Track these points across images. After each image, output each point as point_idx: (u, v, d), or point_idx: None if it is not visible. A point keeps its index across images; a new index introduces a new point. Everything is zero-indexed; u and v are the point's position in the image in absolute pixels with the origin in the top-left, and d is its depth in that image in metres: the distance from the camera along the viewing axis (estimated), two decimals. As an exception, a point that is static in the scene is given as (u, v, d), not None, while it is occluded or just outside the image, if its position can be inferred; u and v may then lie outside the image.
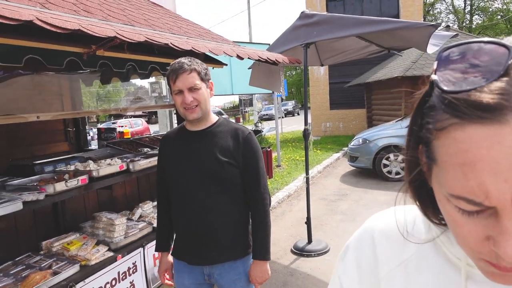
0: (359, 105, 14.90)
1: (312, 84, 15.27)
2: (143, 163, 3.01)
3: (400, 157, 7.18)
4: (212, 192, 1.71)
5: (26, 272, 2.25)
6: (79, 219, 2.97)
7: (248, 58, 3.24)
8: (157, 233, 1.93)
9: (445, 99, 0.37)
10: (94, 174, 2.58)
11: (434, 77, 0.39)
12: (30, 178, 2.53)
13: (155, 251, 1.93)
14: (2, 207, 1.90)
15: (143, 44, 2.29)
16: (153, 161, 3.09)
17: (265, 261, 1.76)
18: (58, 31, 1.64)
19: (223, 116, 2.07)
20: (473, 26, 32.16)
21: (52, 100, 4.66)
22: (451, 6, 33.82)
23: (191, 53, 2.33)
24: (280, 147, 9.74)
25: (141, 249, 2.83)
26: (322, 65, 5.46)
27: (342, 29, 3.68)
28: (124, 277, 2.66)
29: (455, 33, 3.93)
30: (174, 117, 9.00)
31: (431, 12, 33.65)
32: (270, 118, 29.30)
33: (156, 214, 3.17)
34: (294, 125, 22.16)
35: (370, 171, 7.72)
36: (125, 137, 4.85)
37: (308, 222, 4.22)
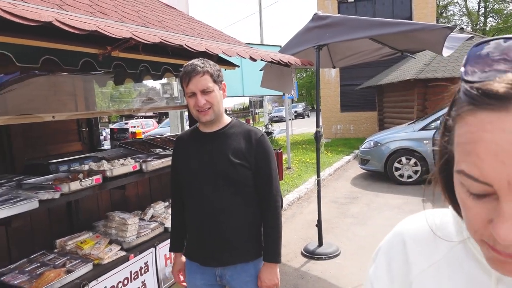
0: (370, 108, 14.79)
1: (323, 86, 15.21)
2: (155, 164, 3.03)
3: (412, 161, 7.11)
4: (224, 193, 1.71)
5: (41, 269, 2.28)
6: (92, 218, 3.00)
7: (261, 59, 3.24)
8: (171, 234, 1.94)
9: (465, 89, 0.41)
10: (108, 174, 2.60)
11: (461, 69, 0.43)
12: (45, 177, 2.57)
13: (169, 251, 1.94)
14: (19, 205, 1.93)
15: (157, 45, 2.31)
16: (166, 161, 3.10)
17: (276, 264, 1.75)
18: (76, 32, 1.67)
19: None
20: (487, 29, 31.68)
21: (66, 100, 4.73)
22: (464, 8, 33.41)
23: (205, 55, 2.34)
24: (290, 149, 9.71)
25: (152, 249, 2.85)
26: (334, 67, 5.44)
27: (355, 31, 3.66)
28: (136, 277, 2.68)
29: (471, 35, 3.88)
30: (186, 118, 9.06)
31: (444, 15, 33.25)
32: (280, 120, 29.27)
33: (167, 215, 3.21)
34: (304, 127, 22.10)
35: (381, 174, 7.65)
36: (137, 137, 4.89)
37: (319, 225, 4.20)
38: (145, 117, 23.26)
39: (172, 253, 1.98)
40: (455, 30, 3.85)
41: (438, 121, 6.84)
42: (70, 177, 2.57)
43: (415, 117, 9.74)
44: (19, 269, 2.31)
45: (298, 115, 34.92)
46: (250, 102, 29.26)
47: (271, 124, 16.74)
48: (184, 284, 1.93)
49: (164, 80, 8.10)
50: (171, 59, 3.28)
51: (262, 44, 10.30)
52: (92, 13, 2.58)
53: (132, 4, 3.60)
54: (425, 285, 0.56)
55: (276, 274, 1.75)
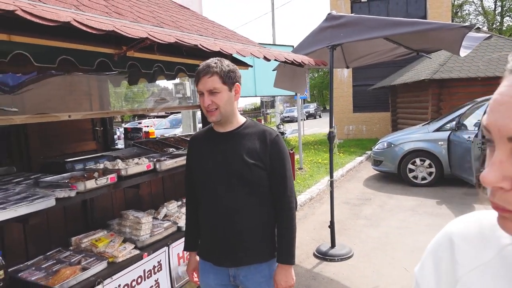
0: (383, 108, 14.65)
1: (335, 87, 15.11)
2: (169, 163, 3.04)
3: (427, 162, 7.00)
4: (239, 193, 1.70)
5: (57, 266, 2.31)
6: (107, 217, 3.03)
7: (275, 59, 3.23)
8: (186, 233, 1.94)
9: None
10: (123, 173, 2.63)
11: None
12: (61, 175, 2.60)
13: (184, 250, 1.95)
14: (36, 203, 1.96)
15: (171, 45, 2.32)
16: (179, 161, 3.12)
17: (290, 265, 1.73)
18: (94, 32, 1.68)
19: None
20: (504, 28, 31.03)
21: (82, 100, 4.80)
22: (480, 8, 32.76)
23: (219, 54, 2.33)
24: (302, 150, 9.67)
25: (166, 248, 2.86)
26: (347, 67, 5.40)
27: (370, 30, 3.62)
28: (149, 275, 2.70)
29: (489, 35, 3.80)
30: (198, 118, 9.11)
31: (459, 14, 32.69)
32: (291, 120, 29.20)
33: (180, 214, 3.22)
34: (316, 128, 22.00)
35: (394, 175, 7.56)
36: (150, 137, 4.93)
37: (331, 226, 4.16)
38: (157, 116, 23.44)
39: (186, 252, 1.98)
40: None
41: (454, 122, 6.72)
42: (85, 175, 2.60)
43: (429, 118, 9.61)
44: (36, 266, 2.35)
45: (310, 116, 34.80)
46: (262, 102, 29.23)
47: (282, 125, 16.71)
48: (198, 283, 1.93)
49: (177, 80, 8.15)
50: (184, 59, 3.29)
51: (274, 44, 10.30)
52: (108, 14, 2.61)
53: (147, 4, 3.63)
54: (471, 285, 0.57)
55: (291, 276, 1.74)
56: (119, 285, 2.43)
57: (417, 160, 7.09)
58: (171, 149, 3.76)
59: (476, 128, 6.03)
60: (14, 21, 1.65)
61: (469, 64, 9.88)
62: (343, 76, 15.18)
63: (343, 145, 12.61)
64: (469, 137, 5.95)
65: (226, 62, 1.70)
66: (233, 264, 1.75)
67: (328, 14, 4.10)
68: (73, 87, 4.62)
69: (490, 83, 9.09)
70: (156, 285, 2.77)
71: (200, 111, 4.10)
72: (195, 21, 4.02)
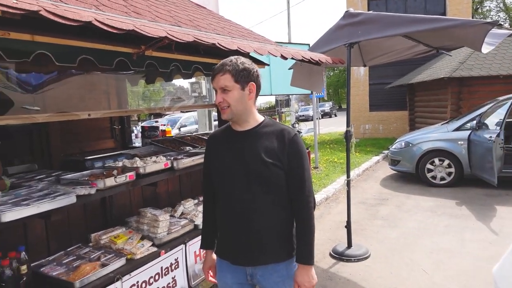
0: (400, 107, 14.40)
1: (352, 85, 14.80)
2: (186, 162, 3.06)
3: (446, 162, 6.85)
4: (257, 193, 1.69)
5: (77, 262, 2.36)
6: (125, 214, 3.08)
7: (292, 58, 3.22)
8: (203, 231, 1.95)
9: None
10: (141, 171, 2.66)
11: None
12: (81, 173, 2.65)
13: (200, 248, 1.95)
14: (58, 200, 2.00)
15: (189, 44, 2.33)
16: (196, 159, 3.14)
17: (310, 265, 1.72)
18: (114, 31, 1.70)
19: None
20: (527, 24, 30.12)
21: (100, 99, 4.88)
22: (501, 4, 31.85)
23: (237, 53, 2.33)
24: (317, 149, 9.61)
25: (183, 246, 2.88)
26: (364, 65, 5.32)
27: (389, 28, 3.56)
28: (166, 273, 2.72)
29: (512, 31, 3.69)
30: (214, 116, 9.15)
31: (479, 10, 31.87)
32: (306, 119, 29.03)
33: (197, 212, 3.24)
34: (331, 127, 21.83)
35: (412, 175, 7.43)
36: (167, 135, 4.98)
37: (348, 226, 4.12)
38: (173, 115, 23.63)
39: (202, 250, 1.99)
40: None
41: (474, 122, 6.56)
42: (104, 173, 2.64)
43: (448, 117, 9.41)
44: (57, 261, 2.40)
45: (325, 114, 34.56)
46: (276, 101, 29.17)
47: (297, 123, 16.62)
48: (214, 281, 1.93)
49: (193, 79, 8.20)
50: (202, 58, 3.31)
51: (290, 43, 10.25)
52: (127, 13, 2.64)
53: (164, 4, 3.66)
54: None
55: (313, 276, 1.72)
56: (137, 282, 2.46)
57: (436, 160, 6.95)
58: (187, 147, 3.78)
59: (498, 128, 5.87)
60: (35, 21, 1.68)
61: (491, 61, 9.62)
62: (359, 75, 15.00)
63: (359, 144, 12.46)
64: (490, 137, 5.79)
65: (242, 60, 1.68)
66: (250, 263, 1.74)
67: (346, 11, 4.04)
68: (92, 86, 4.70)
69: (512, 81, 8.86)
70: (173, 282, 2.79)
71: (216, 110, 4.11)
72: (212, 20, 4.03)
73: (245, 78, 1.66)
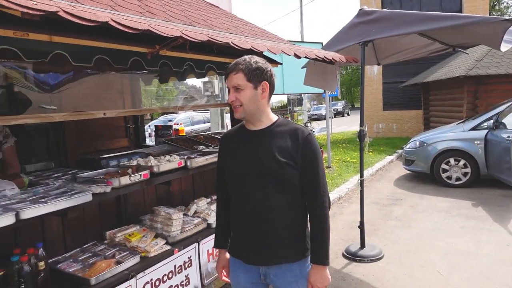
0: (414, 106, 14.20)
1: (365, 84, 14.75)
2: (199, 161, 3.08)
3: (462, 162, 6.73)
4: (270, 192, 1.68)
5: (93, 259, 2.40)
6: (139, 212, 3.11)
7: (305, 57, 3.20)
8: (216, 230, 1.95)
9: None
10: (155, 169, 2.68)
11: None
12: (97, 171, 2.69)
13: (213, 247, 1.96)
14: (75, 198, 2.03)
15: (203, 43, 2.34)
16: (209, 158, 3.15)
17: (325, 266, 1.71)
18: (130, 31, 1.72)
19: None
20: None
21: (115, 98, 4.94)
22: (520, 0, 31.11)
23: (250, 52, 2.33)
24: (330, 148, 9.55)
25: (196, 245, 2.90)
26: (378, 64, 5.26)
27: (404, 25, 3.51)
28: (180, 271, 2.74)
29: (533, 29, 3.59)
30: (226, 115, 9.17)
31: (496, 7, 31.17)
32: (318, 118, 28.88)
33: (210, 211, 3.25)
34: (344, 126, 21.66)
35: (426, 175, 7.32)
36: (180, 134, 5.02)
37: (361, 226, 4.08)
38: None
39: (216, 249, 1.99)
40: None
41: (491, 121, 6.42)
42: (119, 172, 2.68)
43: (464, 116, 9.23)
44: (73, 258, 2.44)
45: (338, 113, 34.32)
46: (288, 100, 29.10)
47: (310, 123, 16.55)
48: (227, 280, 1.93)
49: (206, 79, 8.25)
50: (215, 57, 3.32)
51: (302, 42, 10.21)
52: (142, 13, 2.66)
53: (178, 3, 3.68)
54: None
55: (327, 276, 1.71)
56: (151, 279, 2.48)
57: (451, 160, 6.83)
58: (201, 146, 3.80)
59: (516, 127, 5.74)
60: (52, 22, 1.71)
61: (508, 60, 9.40)
62: (372, 73, 14.84)
63: (372, 144, 12.33)
64: (508, 137, 5.67)
65: (256, 59, 1.68)
66: (264, 262, 1.74)
67: (360, 9, 4.00)
68: (107, 85, 4.76)
69: (531, 80, 8.64)
70: (186, 280, 2.81)
71: (229, 109, 4.12)
72: (225, 19, 4.04)
73: (258, 77, 1.66)
